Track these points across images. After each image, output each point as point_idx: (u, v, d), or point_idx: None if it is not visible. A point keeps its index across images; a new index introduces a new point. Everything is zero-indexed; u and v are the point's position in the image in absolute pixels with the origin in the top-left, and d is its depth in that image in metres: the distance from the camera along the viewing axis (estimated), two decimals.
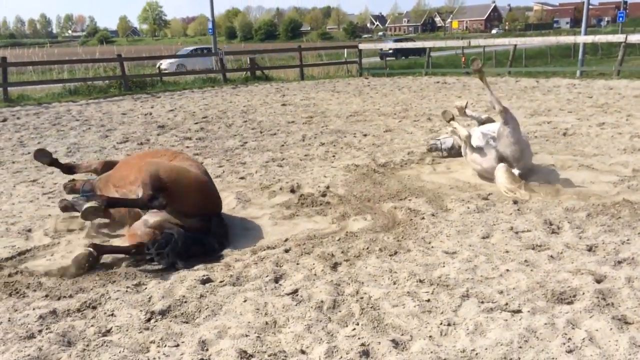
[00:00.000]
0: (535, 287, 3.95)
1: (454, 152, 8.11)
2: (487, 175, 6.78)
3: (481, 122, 7.79)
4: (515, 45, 23.93)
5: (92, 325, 3.64)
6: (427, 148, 8.44)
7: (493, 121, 7.75)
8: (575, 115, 11.42)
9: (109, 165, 6.13)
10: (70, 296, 4.12)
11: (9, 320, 3.72)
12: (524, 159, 6.60)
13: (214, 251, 4.95)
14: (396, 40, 49.48)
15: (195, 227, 4.95)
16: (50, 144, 10.61)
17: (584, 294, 3.80)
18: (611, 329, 3.33)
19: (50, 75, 25.42)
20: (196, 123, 12.70)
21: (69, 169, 6.44)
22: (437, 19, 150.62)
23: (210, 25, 29.79)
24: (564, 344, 3.22)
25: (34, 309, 3.87)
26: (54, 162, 6.31)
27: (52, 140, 11.11)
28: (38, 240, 5.38)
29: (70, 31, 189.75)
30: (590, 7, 25.13)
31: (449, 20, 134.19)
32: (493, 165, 6.56)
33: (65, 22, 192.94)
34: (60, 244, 5.30)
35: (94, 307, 3.92)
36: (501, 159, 6.54)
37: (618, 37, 21.00)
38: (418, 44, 30.43)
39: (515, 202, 5.92)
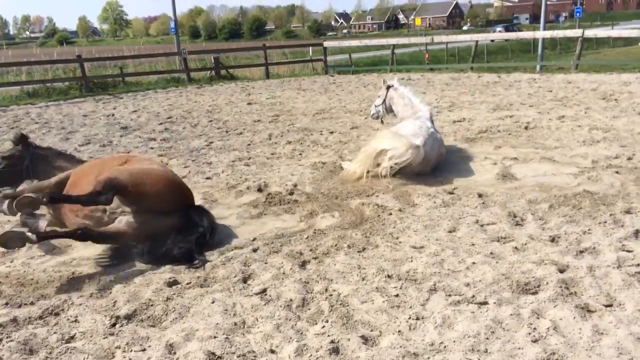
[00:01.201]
0: (500, 279, 4.01)
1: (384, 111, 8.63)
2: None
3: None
4: (477, 41, 24.30)
5: (54, 332, 3.54)
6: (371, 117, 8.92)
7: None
8: (536, 109, 11.66)
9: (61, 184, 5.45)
10: (32, 303, 4.00)
11: None
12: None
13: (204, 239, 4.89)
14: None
15: (177, 223, 4.84)
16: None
17: (547, 284, 3.88)
18: (574, 317, 3.41)
19: (7, 78, 24.66)
20: (160, 124, 12.50)
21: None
22: (401, 17, 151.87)
23: (172, 25, 29.35)
24: (530, 333, 3.28)
25: None
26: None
27: (10, 144, 10.76)
28: None
29: (28, 32, 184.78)
30: (549, 2, 25.70)
31: (412, 17, 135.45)
32: None
33: (22, 23, 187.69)
34: (55, 250, 5.11)
35: (57, 314, 3.82)
36: None
37: (575, 32, 21.51)
38: (382, 41, 30.66)
39: (480, 196, 6.00)
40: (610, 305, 3.57)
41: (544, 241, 4.72)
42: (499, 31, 59.16)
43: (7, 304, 4.01)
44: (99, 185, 4.58)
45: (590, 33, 22.11)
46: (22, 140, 5.95)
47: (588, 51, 37.71)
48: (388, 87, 8.21)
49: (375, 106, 8.59)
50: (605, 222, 5.04)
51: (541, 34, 22.75)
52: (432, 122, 7.52)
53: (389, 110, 8.41)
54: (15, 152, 5.90)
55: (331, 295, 3.92)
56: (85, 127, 12.43)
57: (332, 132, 10.45)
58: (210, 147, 9.66)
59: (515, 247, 4.61)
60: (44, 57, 37.77)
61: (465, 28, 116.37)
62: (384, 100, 8.36)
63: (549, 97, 13.34)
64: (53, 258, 4.90)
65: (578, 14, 44.46)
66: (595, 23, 79.16)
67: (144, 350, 3.32)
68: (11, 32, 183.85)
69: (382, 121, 8.77)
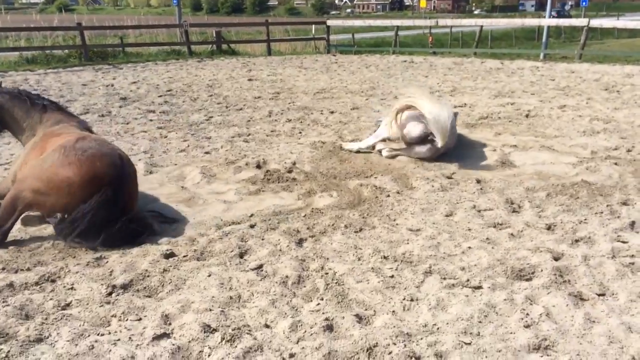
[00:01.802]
0: (495, 264, 4.04)
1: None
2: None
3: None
4: (482, 26, 24.11)
5: (51, 299, 3.56)
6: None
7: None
8: (538, 98, 11.63)
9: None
10: (28, 269, 4.01)
11: None
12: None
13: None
14: None
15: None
16: None
17: (542, 271, 3.91)
18: (567, 305, 3.45)
19: (6, 43, 24.41)
20: (160, 96, 12.43)
21: None
22: None
23: None
24: (522, 319, 3.31)
25: None
26: None
27: None
28: None
29: None
30: None
31: None
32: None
33: None
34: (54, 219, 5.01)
35: (53, 281, 3.84)
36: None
37: (581, 21, 21.36)
38: (386, 22, 30.40)
39: (478, 181, 6.02)
40: (603, 295, 3.60)
41: (540, 229, 4.75)
42: (553, 16, 58.22)
43: (3, 268, 4.02)
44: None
45: (596, 23, 21.97)
46: None
47: (592, 41, 37.47)
48: None
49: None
50: (602, 212, 5.06)
51: (546, 21, 22.62)
52: None
53: None
54: None
55: (327, 273, 3.94)
56: (84, 97, 12.35)
57: (332, 112, 10.41)
58: (210, 122, 9.62)
59: (511, 234, 4.63)
60: (43, 23, 37.29)
61: (476, 12, 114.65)
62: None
63: (551, 86, 13.29)
64: (50, 227, 4.90)
65: (584, 3, 44.07)
66: (601, 13, 78.65)
67: (139, 319, 3.35)
68: None
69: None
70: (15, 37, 25.58)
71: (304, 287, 3.78)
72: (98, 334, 3.17)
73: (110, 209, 4.40)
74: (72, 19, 38.51)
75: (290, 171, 6.52)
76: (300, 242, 4.52)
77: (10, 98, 5.32)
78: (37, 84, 14.29)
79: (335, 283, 3.80)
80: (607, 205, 5.20)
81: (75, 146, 4.51)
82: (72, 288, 3.73)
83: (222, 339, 3.13)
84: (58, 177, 4.33)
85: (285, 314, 3.41)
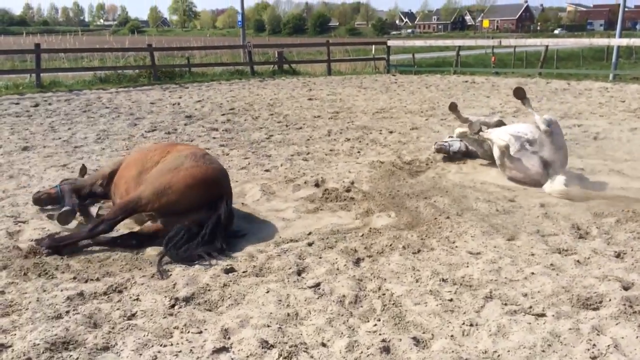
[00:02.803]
0: (560, 292, 3.90)
1: (460, 155, 7.98)
2: (530, 182, 6.66)
3: (494, 125, 7.60)
4: (547, 46, 23.53)
5: (117, 309, 3.71)
6: (435, 149, 8.13)
7: (504, 124, 7.63)
8: (607, 120, 11.21)
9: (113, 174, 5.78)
10: (98, 279, 4.20)
11: (38, 300, 3.80)
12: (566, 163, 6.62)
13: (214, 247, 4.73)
14: None
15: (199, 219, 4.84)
16: (80, 130, 10.80)
17: (610, 300, 3.74)
18: (637, 336, 3.28)
19: (82, 63, 25.83)
20: (223, 114, 12.80)
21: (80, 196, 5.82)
22: (468, 18, 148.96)
23: (239, 18, 29.92)
24: (589, 349, 3.18)
25: (62, 291, 3.96)
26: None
27: (82, 126, 11.30)
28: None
29: (102, 20, 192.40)
30: (626, 9, 24.58)
31: (479, 19, 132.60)
32: (539, 172, 6.50)
33: (97, 11, 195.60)
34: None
35: (120, 291, 3.99)
36: (545, 164, 6.49)
37: None
38: (448, 42, 30.16)
39: (542, 205, 5.84)
40: None
41: (609, 256, 4.55)
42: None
43: (74, 278, 4.22)
44: (119, 211, 4.85)
45: None
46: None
47: None
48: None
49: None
50: None
51: (617, 41, 21.81)
52: None
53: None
54: None
55: (384, 294, 3.92)
56: (152, 114, 12.87)
57: (391, 132, 10.40)
58: (270, 140, 9.81)
59: (578, 261, 4.46)
60: (115, 44, 39.23)
61: (556, 32, 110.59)
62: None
63: (621, 108, 12.79)
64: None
65: None
66: None
67: (200, 332, 3.43)
68: (86, 20, 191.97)
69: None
70: (89, 58, 27.04)
71: (361, 307, 3.77)
72: (161, 345, 3.27)
73: (226, 224, 4.93)
74: (143, 40, 40.36)
75: (348, 190, 6.54)
76: (357, 262, 4.52)
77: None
78: (109, 102, 15.02)
79: (393, 304, 3.77)
80: None
81: (204, 156, 5.28)
82: (137, 299, 3.87)
83: (280, 355, 3.16)
84: (185, 178, 4.89)
85: (342, 333, 3.41)
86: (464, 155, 7.96)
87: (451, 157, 8.00)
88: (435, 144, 8.17)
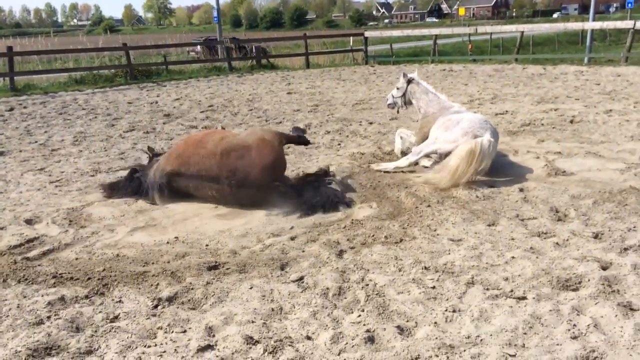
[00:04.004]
0: (540, 274, 3.96)
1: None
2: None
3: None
4: (523, 32, 23.69)
5: (100, 312, 3.68)
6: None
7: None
8: (583, 103, 11.34)
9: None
10: (79, 283, 4.15)
11: (18, 307, 3.76)
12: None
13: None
14: None
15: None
16: (57, 133, 10.65)
17: (589, 280, 3.80)
18: (616, 315, 3.34)
19: (56, 65, 25.45)
20: (202, 112, 12.71)
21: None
22: (444, 6, 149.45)
23: (215, 14, 29.67)
24: (569, 330, 3.23)
25: (42, 296, 3.91)
26: None
27: (58, 129, 11.15)
28: (45, 229, 5.42)
29: (75, 20, 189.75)
30: None
31: (455, 6, 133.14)
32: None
33: (70, 11, 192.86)
34: (103, 234, 5.25)
35: (102, 294, 3.96)
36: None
37: (626, 24, 20.74)
38: (425, 32, 30.21)
39: (521, 190, 5.91)
40: None
41: (587, 237, 4.62)
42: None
43: (55, 283, 4.17)
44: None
45: None
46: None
47: (639, 43, 36.29)
48: (409, 81, 7.84)
49: (393, 97, 8.06)
50: None
51: (590, 24, 22.06)
52: None
53: (408, 103, 8.01)
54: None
55: (367, 285, 3.94)
56: (129, 114, 12.74)
57: (371, 123, 10.42)
58: None
59: (557, 243, 4.53)
60: (89, 44, 38.72)
61: (555, 16, 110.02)
62: (404, 94, 8.01)
63: (596, 91, 12.96)
64: (98, 240, 5.07)
65: (630, 5, 42.76)
66: None
67: (184, 332, 3.42)
68: (59, 20, 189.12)
69: (397, 111, 8.45)
70: (63, 59, 26.66)
71: (345, 298, 3.79)
72: (145, 346, 3.26)
73: None
74: (118, 40, 39.86)
75: (329, 183, 6.54)
76: (340, 254, 4.53)
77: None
78: (86, 103, 14.83)
79: (376, 294, 3.79)
80: None
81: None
82: (120, 301, 3.84)
83: (265, 350, 3.16)
84: None
85: (327, 325, 3.43)
86: None
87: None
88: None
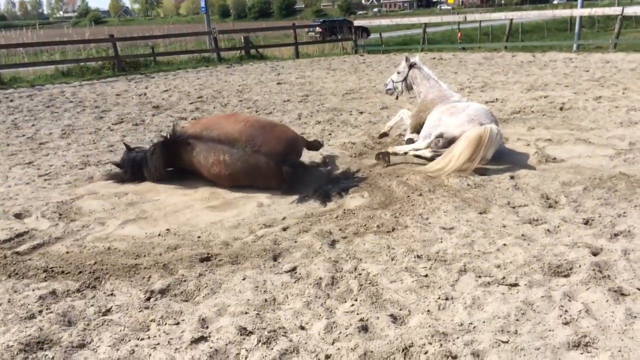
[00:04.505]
0: (532, 261, 3.98)
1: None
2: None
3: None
4: (512, 19, 23.71)
5: (92, 305, 3.66)
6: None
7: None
8: (572, 90, 11.38)
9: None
10: (70, 276, 4.12)
11: (9, 302, 3.73)
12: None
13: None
14: None
15: None
16: (44, 126, 10.55)
17: (580, 266, 3.83)
18: (607, 300, 3.37)
19: (42, 57, 25.13)
20: (191, 103, 12.63)
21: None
22: None
23: (203, 4, 29.38)
24: (561, 316, 3.25)
25: (33, 290, 3.88)
26: None
27: (46, 122, 11.04)
28: (35, 223, 5.37)
29: (61, 12, 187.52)
30: None
31: None
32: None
33: (56, 3, 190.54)
34: (93, 227, 5.21)
35: (94, 287, 3.94)
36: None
37: (615, 10, 20.82)
38: (414, 20, 30.17)
39: (512, 177, 5.93)
40: None
41: (577, 224, 4.65)
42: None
43: (46, 277, 4.14)
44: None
45: (630, 11, 21.36)
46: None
47: (627, 30, 36.37)
48: (411, 66, 7.80)
49: (394, 82, 7.95)
50: None
51: (579, 11, 22.10)
52: None
53: (409, 88, 7.98)
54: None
55: (360, 274, 3.95)
56: (118, 106, 12.64)
57: (361, 112, 10.40)
58: None
59: (548, 230, 4.55)
60: (75, 36, 38.19)
61: (555, 2, 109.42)
62: (405, 78, 7.96)
63: (585, 77, 13.00)
64: (89, 233, 5.03)
65: None
66: (635, 0, 76.39)
67: (177, 324, 3.41)
68: (45, 12, 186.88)
69: (396, 97, 8.40)
70: (50, 51, 26.32)
71: (338, 288, 3.79)
72: (138, 339, 3.24)
73: None
74: (104, 31, 39.40)
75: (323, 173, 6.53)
76: (333, 244, 4.53)
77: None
78: (73, 96, 14.69)
79: (369, 283, 3.79)
80: None
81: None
82: (112, 294, 3.82)
83: (259, 341, 3.16)
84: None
85: (320, 315, 3.43)
86: None
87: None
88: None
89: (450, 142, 6.36)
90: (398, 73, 7.85)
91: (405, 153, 6.83)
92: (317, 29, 37.56)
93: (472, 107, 6.60)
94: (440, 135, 6.52)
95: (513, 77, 13.78)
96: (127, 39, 26.59)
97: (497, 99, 10.93)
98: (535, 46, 22.87)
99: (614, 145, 7.01)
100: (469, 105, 6.67)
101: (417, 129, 7.13)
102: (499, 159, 6.71)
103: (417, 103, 7.53)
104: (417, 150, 6.77)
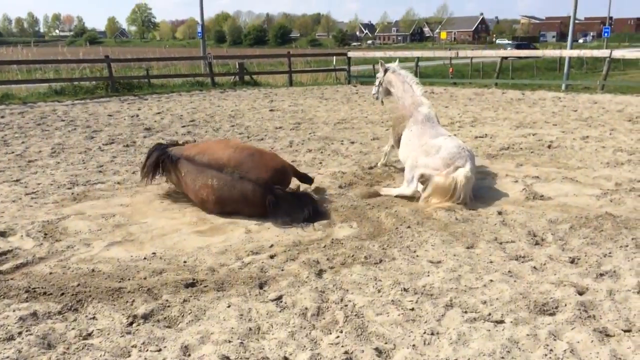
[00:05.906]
0: (518, 298, 3.98)
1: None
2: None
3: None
4: (502, 57, 24.16)
5: (73, 328, 3.60)
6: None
7: None
8: (560, 128, 11.55)
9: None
10: (52, 298, 4.06)
11: None
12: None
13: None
14: None
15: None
16: (34, 144, 10.49)
17: (566, 305, 3.84)
18: (592, 341, 3.37)
19: (36, 75, 25.13)
20: (183, 126, 12.64)
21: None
22: (426, 29, 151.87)
23: (199, 29, 29.71)
24: (546, 355, 3.24)
25: (14, 311, 3.81)
26: None
27: (36, 140, 10.99)
28: (19, 242, 5.30)
29: (57, 31, 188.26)
30: (577, 21, 25.47)
31: (437, 30, 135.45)
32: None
33: (52, 22, 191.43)
34: (78, 248, 5.15)
35: (76, 310, 3.88)
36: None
37: (603, 52, 21.31)
38: (407, 53, 30.65)
39: (499, 213, 5.97)
40: (629, 331, 3.51)
41: (564, 262, 4.67)
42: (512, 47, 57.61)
43: (27, 298, 4.07)
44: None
45: (618, 54, 21.87)
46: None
47: (615, 72, 37.19)
48: (386, 70, 8.11)
49: (376, 87, 8.50)
50: (627, 245, 4.97)
51: (568, 52, 22.58)
52: (438, 122, 7.46)
53: (386, 92, 8.27)
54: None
55: (346, 305, 3.92)
56: (109, 127, 12.62)
57: (353, 142, 10.47)
58: None
59: (534, 267, 4.57)
60: (69, 55, 38.38)
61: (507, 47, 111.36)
62: (381, 83, 8.26)
63: (573, 117, 13.21)
64: (74, 254, 4.97)
65: (606, 34, 44.03)
66: (623, 44, 78.23)
67: (159, 350, 3.36)
68: (41, 30, 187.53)
69: (382, 102, 8.77)
70: (44, 69, 26.34)
71: (324, 319, 3.76)
72: None
73: None
74: (99, 51, 39.55)
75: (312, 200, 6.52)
76: (319, 273, 4.51)
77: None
78: (65, 115, 14.66)
79: (355, 315, 3.77)
80: (632, 239, 5.10)
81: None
82: (93, 318, 3.76)
83: None
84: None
85: (305, 346, 3.39)
86: None
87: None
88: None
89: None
90: (377, 78, 8.13)
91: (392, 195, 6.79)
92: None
93: (445, 147, 6.53)
94: (421, 177, 6.48)
95: (502, 114, 13.97)
96: (122, 60, 26.70)
97: (486, 134, 11.06)
98: (525, 84, 23.26)
99: (600, 185, 7.09)
100: (441, 145, 6.58)
101: (397, 142, 7.53)
102: (487, 194, 6.77)
103: (393, 108, 7.69)
104: (404, 195, 6.69)
